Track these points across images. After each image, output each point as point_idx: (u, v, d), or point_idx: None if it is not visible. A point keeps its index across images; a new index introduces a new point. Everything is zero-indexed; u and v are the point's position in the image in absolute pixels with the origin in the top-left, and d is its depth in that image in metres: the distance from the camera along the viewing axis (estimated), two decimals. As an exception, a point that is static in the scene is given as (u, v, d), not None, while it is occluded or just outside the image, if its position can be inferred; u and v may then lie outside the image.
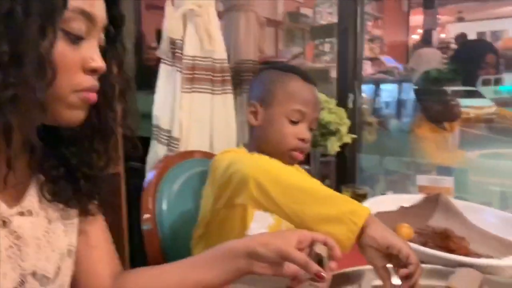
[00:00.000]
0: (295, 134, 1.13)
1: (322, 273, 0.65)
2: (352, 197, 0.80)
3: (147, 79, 2.07)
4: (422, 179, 1.38)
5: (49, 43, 0.53)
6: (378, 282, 0.76)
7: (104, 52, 0.64)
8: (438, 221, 1.13)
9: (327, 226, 0.75)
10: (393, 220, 1.04)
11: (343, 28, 1.90)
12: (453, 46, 4.65)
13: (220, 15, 2.05)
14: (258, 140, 1.17)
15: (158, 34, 2.12)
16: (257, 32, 2.22)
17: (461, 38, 4.77)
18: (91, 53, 0.60)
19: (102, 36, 0.64)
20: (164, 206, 1.23)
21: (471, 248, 0.98)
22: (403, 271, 0.72)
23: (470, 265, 0.83)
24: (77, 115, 0.61)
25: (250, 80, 2.08)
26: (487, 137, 2.17)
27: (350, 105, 1.87)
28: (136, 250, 1.93)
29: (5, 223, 0.60)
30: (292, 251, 0.66)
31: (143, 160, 1.89)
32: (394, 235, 0.75)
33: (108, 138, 0.69)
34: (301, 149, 1.15)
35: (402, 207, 1.19)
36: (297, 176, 0.84)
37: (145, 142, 1.85)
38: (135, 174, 1.84)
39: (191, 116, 1.83)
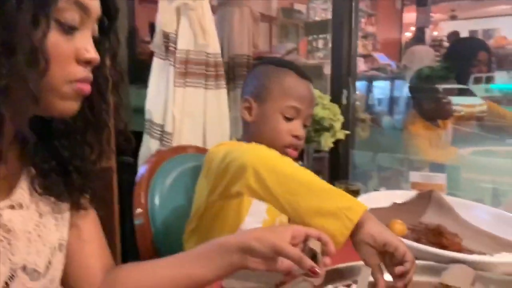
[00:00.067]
0: (289, 131, 1.13)
1: (316, 269, 0.65)
2: (345, 193, 0.80)
3: (140, 73, 2.06)
4: (415, 176, 1.38)
5: (42, 33, 0.53)
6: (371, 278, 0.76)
7: (98, 44, 0.63)
8: (431, 218, 1.13)
9: (321, 220, 0.74)
10: (386, 217, 1.04)
11: (337, 24, 1.89)
12: (446, 44, 4.66)
13: (214, 9, 2.04)
14: (251, 136, 1.16)
15: (151, 28, 2.11)
16: (251, 27, 2.21)
17: (454, 36, 4.79)
18: (85, 44, 0.59)
19: (96, 27, 0.63)
20: (157, 200, 1.23)
21: (464, 245, 0.98)
22: (399, 268, 0.72)
23: (463, 262, 0.83)
24: (70, 106, 0.60)
25: (244, 75, 2.07)
26: (479, 135, 2.18)
27: (344, 101, 1.87)
28: (128, 245, 1.92)
29: (-5, 217, 0.60)
30: (286, 246, 0.66)
31: (135, 155, 1.88)
32: (390, 232, 0.75)
33: (101, 131, 0.68)
34: (295, 146, 1.15)
35: (395, 204, 1.19)
36: (295, 168, 0.83)
37: (138, 137, 1.83)
38: (127, 169, 1.83)
39: (184, 111, 1.83)
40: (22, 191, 0.64)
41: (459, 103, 2.26)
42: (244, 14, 2.16)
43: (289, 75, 1.14)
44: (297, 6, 4.07)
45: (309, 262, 0.65)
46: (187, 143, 1.71)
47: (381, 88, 3.55)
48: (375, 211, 1.06)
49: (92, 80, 0.62)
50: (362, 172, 2.21)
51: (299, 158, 1.63)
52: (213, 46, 1.87)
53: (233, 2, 2.16)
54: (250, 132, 1.17)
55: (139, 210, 1.19)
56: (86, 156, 0.69)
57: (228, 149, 0.94)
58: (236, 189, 0.88)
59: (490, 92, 2.43)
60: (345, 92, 1.89)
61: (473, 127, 2.23)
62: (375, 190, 1.53)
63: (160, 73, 1.85)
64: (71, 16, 0.57)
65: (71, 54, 0.58)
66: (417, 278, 0.77)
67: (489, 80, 2.40)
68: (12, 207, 0.62)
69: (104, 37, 0.66)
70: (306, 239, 0.70)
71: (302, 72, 1.17)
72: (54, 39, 0.55)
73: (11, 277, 0.61)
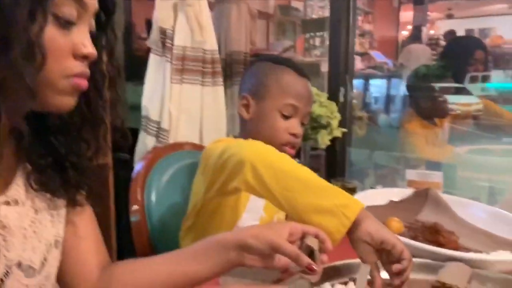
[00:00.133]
0: (287, 128, 1.12)
1: (313, 266, 0.65)
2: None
3: (136, 69, 2.05)
4: (411, 174, 1.38)
5: (39, 27, 0.52)
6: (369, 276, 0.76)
7: (95, 39, 0.63)
8: (427, 216, 1.13)
9: (318, 217, 0.74)
10: (383, 214, 1.04)
11: (335, 21, 1.89)
12: (442, 42, 4.67)
13: (211, 6, 2.03)
14: (249, 134, 1.15)
15: (148, 24, 2.10)
16: (248, 23, 2.21)
17: (450, 35, 4.79)
18: (82, 39, 0.59)
19: (93, 22, 0.63)
20: (153, 197, 1.22)
21: (460, 243, 0.98)
22: (396, 266, 0.72)
23: (460, 260, 0.83)
24: (67, 101, 0.60)
25: (241, 72, 2.07)
26: (475, 133, 2.19)
27: (341, 99, 1.87)
28: (124, 242, 1.92)
29: (-10, 213, 0.59)
30: (283, 243, 0.66)
31: (131, 152, 1.88)
32: (387, 230, 0.75)
33: (98, 127, 0.68)
34: (293, 144, 1.14)
35: (391, 201, 1.20)
36: (293, 164, 0.83)
37: (134, 133, 1.83)
38: (123, 165, 1.82)
39: (180, 108, 1.82)
40: (18, 187, 0.64)
41: (456, 101, 2.27)
42: (241, 11, 2.16)
43: (287, 73, 1.14)
44: (295, 4, 4.06)
45: (306, 259, 0.65)
46: (184, 140, 1.70)
47: (377, 86, 3.56)
48: (372, 209, 1.06)
49: (89, 76, 0.61)
50: (359, 170, 2.21)
51: (296, 156, 1.63)
52: (210, 43, 1.86)
53: (231, -2, 2.15)
54: (247, 129, 1.17)
55: (135, 207, 1.18)
56: (82, 153, 0.68)
57: (226, 145, 0.94)
58: (234, 185, 0.87)
59: (486, 91, 2.44)
60: (342, 90, 1.89)
61: (469, 125, 2.24)
62: (371, 188, 1.53)
63: (156, 70, 1.84)
64: (69, 10, 0.56)
65: (68, 48, 0.58)
66: (414, 276, 0.77)
67: (485, 79, 2.40)
68: (7, 203, 0.62)
69: (101, 32, 0.65)
70: (303, 236, 0.70)
71: (300, 70, 1.16)
72: (51, 33, 0.55)
73: (6, 274, 0.61)
